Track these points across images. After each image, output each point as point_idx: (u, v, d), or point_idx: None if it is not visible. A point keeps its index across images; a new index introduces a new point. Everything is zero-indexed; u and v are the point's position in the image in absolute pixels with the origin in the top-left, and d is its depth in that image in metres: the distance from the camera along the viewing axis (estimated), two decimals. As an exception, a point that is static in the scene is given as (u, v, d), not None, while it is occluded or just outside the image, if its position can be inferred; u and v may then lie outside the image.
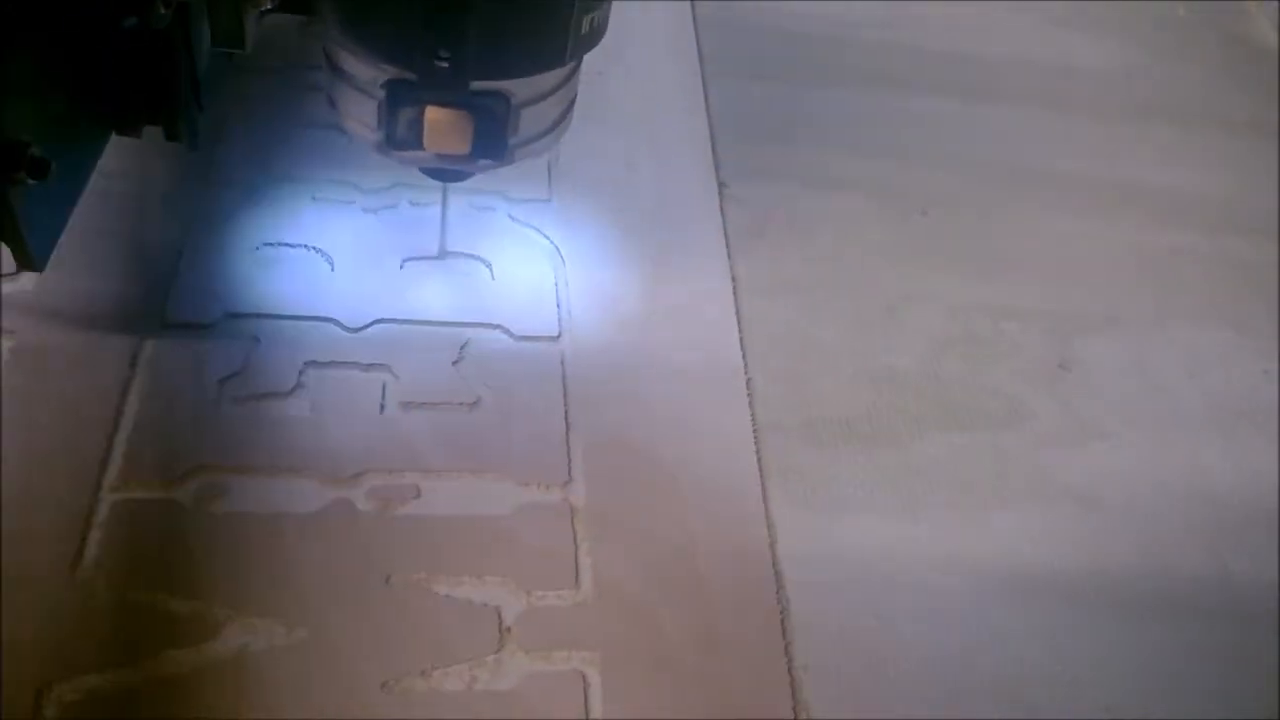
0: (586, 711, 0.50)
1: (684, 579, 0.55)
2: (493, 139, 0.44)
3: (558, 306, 0.65)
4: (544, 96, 0.45)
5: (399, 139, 0.44)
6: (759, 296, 0.68)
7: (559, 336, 0.64)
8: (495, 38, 0.41)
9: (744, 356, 0.64)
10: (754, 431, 0.61)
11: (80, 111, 0.45)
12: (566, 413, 0.60)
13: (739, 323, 0.66)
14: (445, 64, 0.40)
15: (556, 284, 0.66)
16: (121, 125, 0.47)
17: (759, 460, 0.60)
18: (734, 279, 0.68)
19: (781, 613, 0.54)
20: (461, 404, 0.60)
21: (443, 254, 0.62)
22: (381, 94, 0.44)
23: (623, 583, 0.55)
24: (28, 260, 0.42)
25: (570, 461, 0.58)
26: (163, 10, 0.41)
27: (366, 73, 0.44)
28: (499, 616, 0.52)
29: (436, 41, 0.40)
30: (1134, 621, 0.58)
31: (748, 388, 0.63)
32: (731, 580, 0.56)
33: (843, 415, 0.64)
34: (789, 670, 0.52)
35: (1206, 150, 0.87)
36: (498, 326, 0.63)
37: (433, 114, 0.43)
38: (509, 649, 0.51)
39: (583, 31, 0.43)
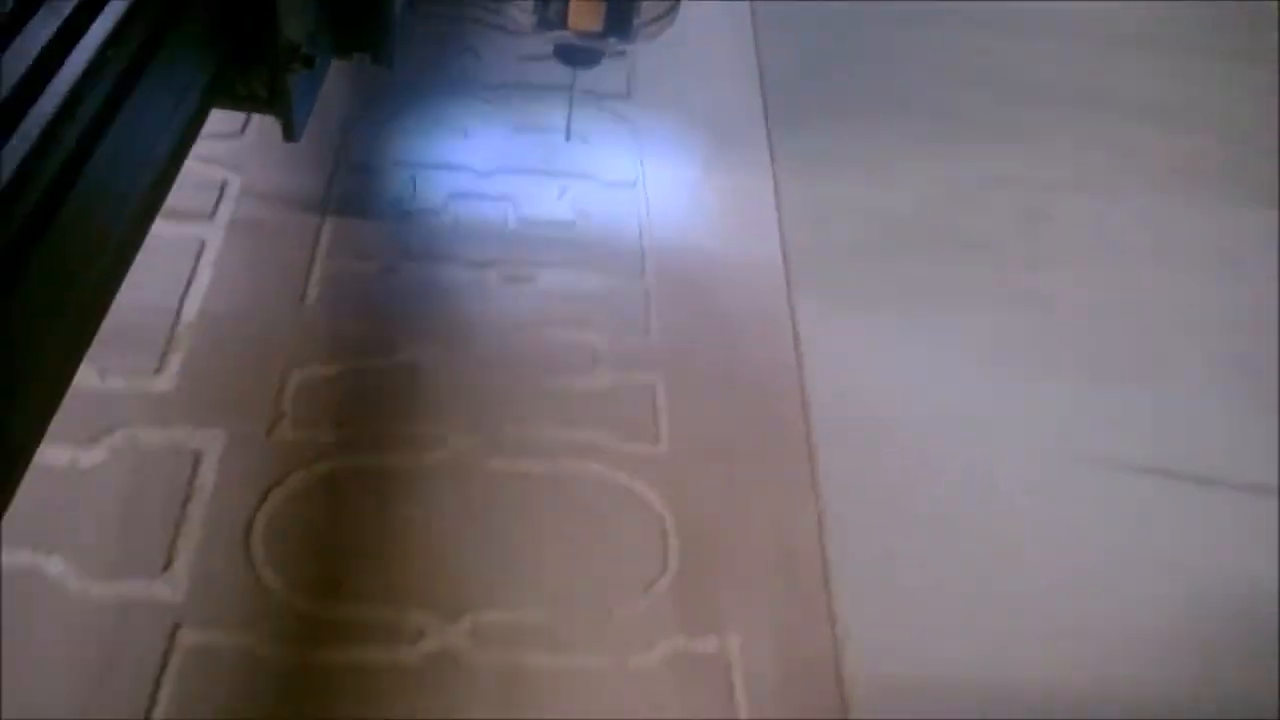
0: (655, 413, 0.71)
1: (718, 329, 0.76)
2: (621, 19, 0.57)
3: (639, 163, 0.87)
4: None
5: (548, 20, 0.58)
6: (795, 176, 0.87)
7: (635, 183, 0.86)
8: None
9: (777, 203, 0.84)
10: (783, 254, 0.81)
11: (322, 27, 0.58)
12: (640, 230, 0.82)
13: (775, 189, 0.85)
14: None
15: (638, 152, 0.88)
16: (340, 49, 0.61)
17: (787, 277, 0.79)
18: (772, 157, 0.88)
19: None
20: (562, 222, 0.82)
21: (570, 136, 0.81)
22: None
23: (678, 328, 0.76)
24: (292, 132, 0.56)
25: (644, 258, 0.80)
26: None
27: None
28: (593, 350, 0.74)
29: None
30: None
31: (779, 227, 0.83)
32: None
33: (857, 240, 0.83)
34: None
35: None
36: (592, 177, 0.85)
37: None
38: (599, 369, 0.73)
39: None
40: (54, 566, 0.55)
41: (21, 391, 0.33)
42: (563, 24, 0.57)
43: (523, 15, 0.59)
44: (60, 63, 0.35)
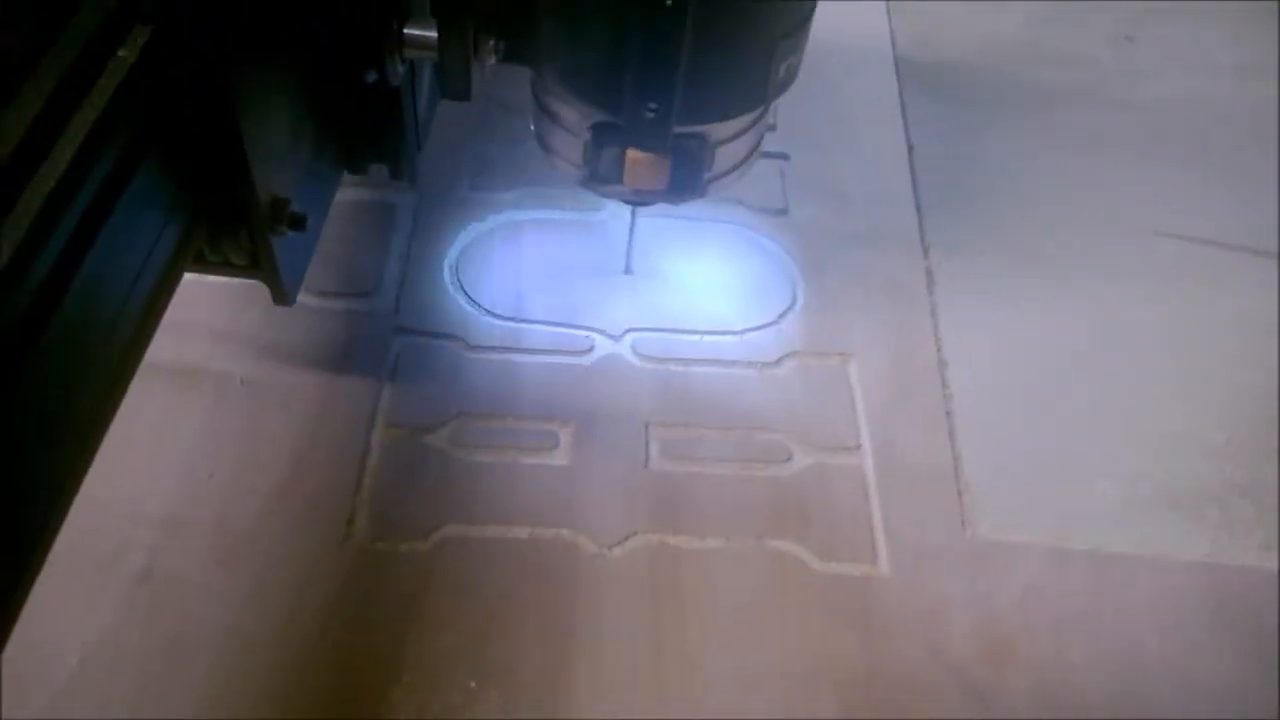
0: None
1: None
2: (689, 176, 0.47)
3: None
4: (738, 135, 0.48)
5: (602, 175, 0.47)
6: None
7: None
8: (699, 88, 0.42)
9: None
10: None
11: (321, 160, 0.48)
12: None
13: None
14: (652, 114, 0.43)
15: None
16: (351, 166, 0.50)
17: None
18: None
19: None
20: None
21: (629, 269, 0.60)
22: (588, 135, 0.46)
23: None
24: (283, 297, 0.45)
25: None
26: (400, 66, 0.44)
27: (575, 116, 0.46)
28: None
29: (645, 95, 0.42)
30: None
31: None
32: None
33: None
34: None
35: None
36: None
37: (634, 155, 0.45)
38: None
39: (779, 77, 0.44)
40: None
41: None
42: (618, 179, 0.46)
43: (570, 167, 0.49)
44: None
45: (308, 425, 0.52)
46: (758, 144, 0.51)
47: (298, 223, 0.42)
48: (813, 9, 0.44)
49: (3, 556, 0.31)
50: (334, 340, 0.55)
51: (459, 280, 0.59)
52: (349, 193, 0.62)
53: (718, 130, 0.46)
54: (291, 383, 0.53)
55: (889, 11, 0.78)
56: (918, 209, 0.65)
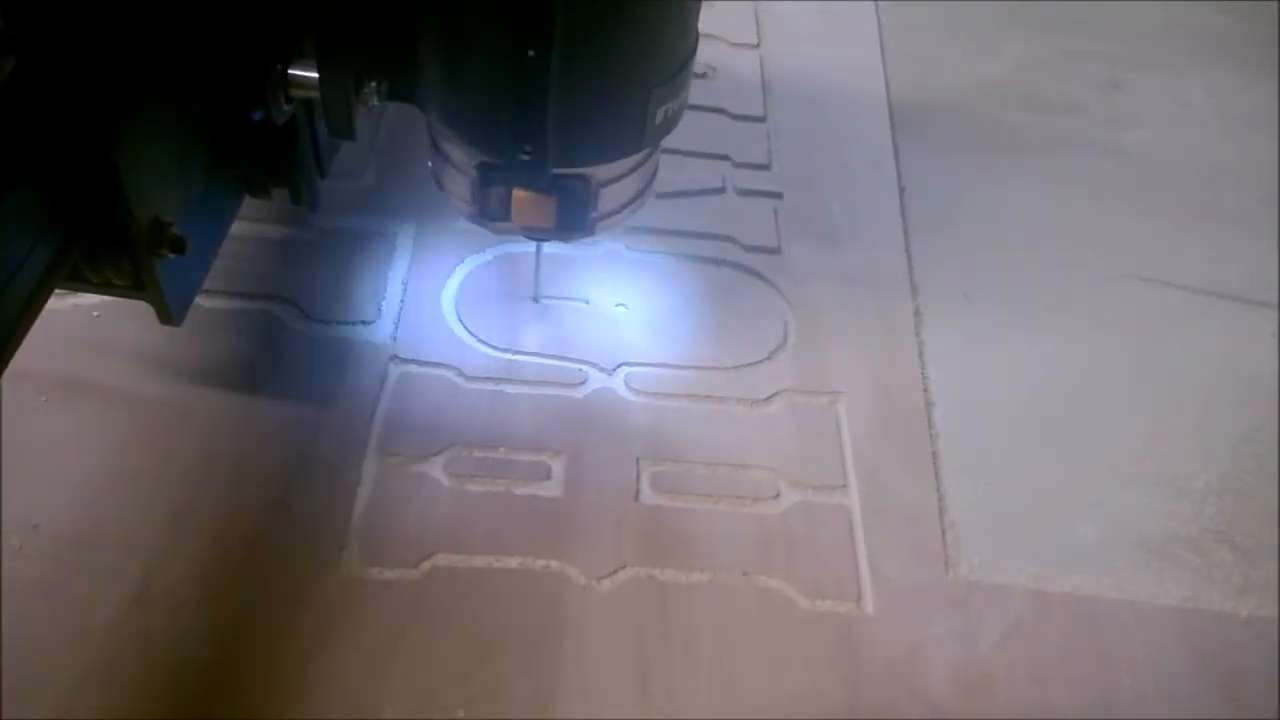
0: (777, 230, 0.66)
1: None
2: (575, 215, 0.47)
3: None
4: (623, 176, 0.48)
5: (491, 213, 0.48)
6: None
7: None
8: (573, 133, 0.43)
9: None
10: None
11: (213, 185, 0.47)
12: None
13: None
14: (527, 156, 0.44)
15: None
16: (253, 190, 0.50)
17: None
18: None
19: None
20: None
21: (539, 297, 0.61)
22: (474, 174, 0.47)
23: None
24: (168, 318, 0.45)
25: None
26: (285, 106, 0.44)
27: (462, 155, 0.47)
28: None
29: (519, 138, 0.43)
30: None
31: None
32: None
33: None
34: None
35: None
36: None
37: (519, 194, 0.46)
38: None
39: (657, 122, 0.45)
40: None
41: None
42: (506, 216, 0.47)
43: (462, 204, 0.49)
44: None
45: (302, 451, 0.52)
46: (649, 184, 0.51)
47: (179, 245, 0.42)
48: (691, 57, 0.45)
49: None
50: (330, 368, 0.56)
51: (455, 311, 0.59)
52: (349, 222, 0.63)
53: (601, 172, 0.47)
54: (287, 409, 0.54)
55: (884, 56, 0.80)
56: (908, 250, 0.66)
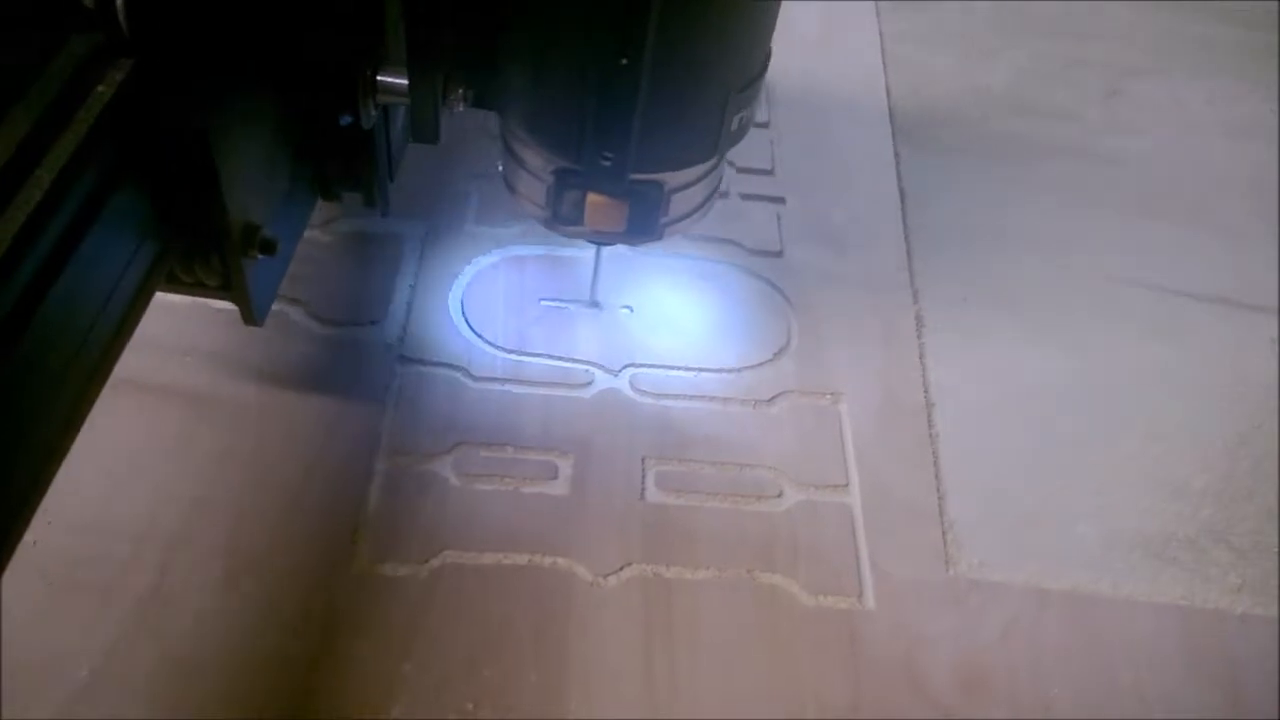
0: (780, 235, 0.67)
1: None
2: (646, 220, 0.49)
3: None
4: (694, 183, 0.49)
5: (564, 217, 0.49)
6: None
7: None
8: (653, 140, 0.44)
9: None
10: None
11: (294, 190, 0.49)
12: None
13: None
14: (608, 162, 0.45)
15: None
16: (325, 193, 0.51)
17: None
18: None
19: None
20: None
21: (593, 303, 0.62)
22: (551, 179, 0.48)
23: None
24: (253, 318, 0.46)
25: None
26: (374, 111, 0.46)
27: (538, 160, 0.48)
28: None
29: (601, 145, 0.44)
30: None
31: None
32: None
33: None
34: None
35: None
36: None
37: (594, 199, 0.47)
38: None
39: (731, 129, 0.46)
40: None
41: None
42: (578, 221, 0.48)
43: (534, 208, 0.50)
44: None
45: (313, 450, 0.53)
46: (714, 191, 0.53)
47: (269, 247, 0.44)
48: (765, 65, 0.46)
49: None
50: (341, 368, 0.57)
51: (463, 312, 0.60)
52: (358, 225, 0.64)
53: (673, 178, 0.49)
54: (298, 408, 0.55)
55: (885, 64, 0.81)
56: (908, 254, 0.67)
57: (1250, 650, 0.52)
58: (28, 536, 0.48)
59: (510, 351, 0.59)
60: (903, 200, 0.71)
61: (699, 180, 0.50)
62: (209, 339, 0.57)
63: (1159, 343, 0.65)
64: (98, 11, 0.34)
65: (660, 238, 0.51)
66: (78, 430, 0.38)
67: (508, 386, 0.57)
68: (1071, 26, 0.88)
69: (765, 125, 0.74)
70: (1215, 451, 0.60)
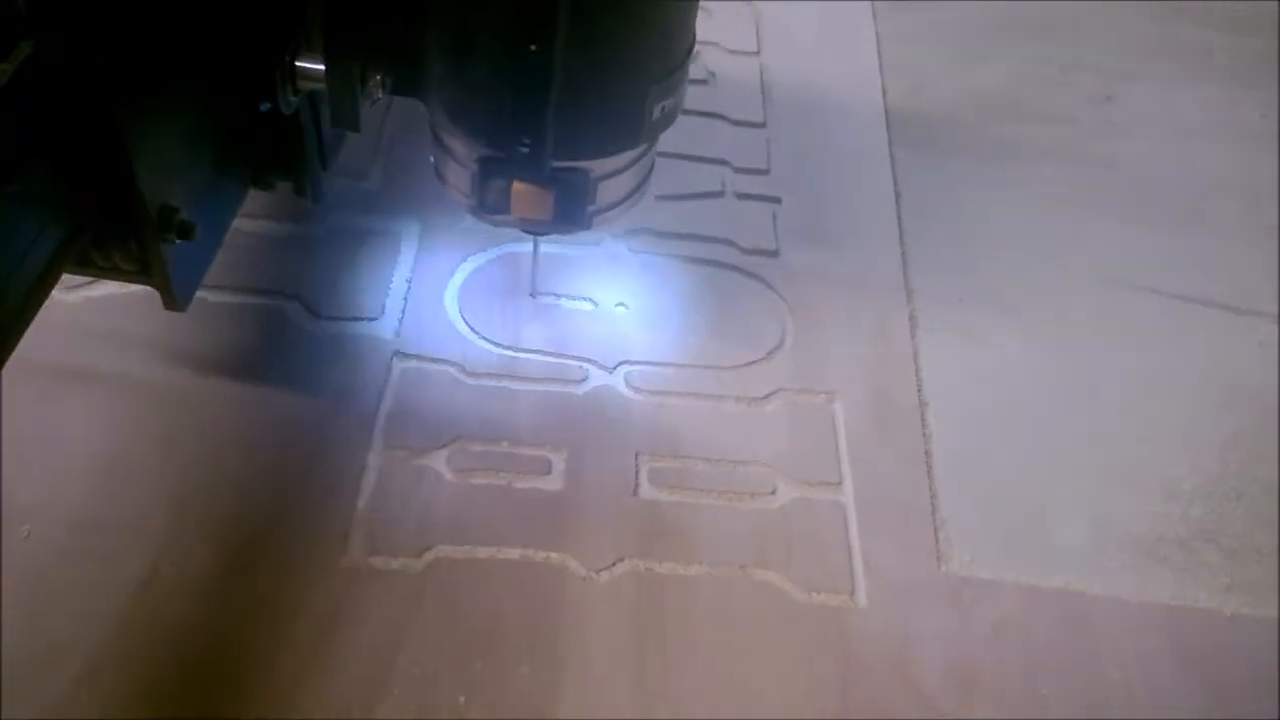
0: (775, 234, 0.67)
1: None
2: (573, 208, 0.48)
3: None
4: (621, 171, 0.49)
5: (490, 205, 0.48)
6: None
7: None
8: (572, 127, 0.44)
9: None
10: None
11: (220, 175, 0.47)
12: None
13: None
14: (526, 149, 0.44)
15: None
16: (257, 182, 0.50)
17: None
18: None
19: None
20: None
21: (536, 293, 0.62)
22: (475, 167, 0.47)
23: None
24: (174, 304, 0.45)
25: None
26: (292, 98, 0.45)
27: (464, 148, 0.47)
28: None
29: (518, 131, 0.44)
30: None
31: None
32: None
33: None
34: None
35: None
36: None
37: (518, 187, 0.47)
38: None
39: (654, 118, 0.46)
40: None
41: None
42: (504, 209, 0.48)
43: (462, 197, 0.50)
44: None
45: (308, 444, 0.53)
46: (645, 179, 0.53)
47: (186, 231, 0.42)
48: (688, 54, 0.46)
49: None
50: (335, 362, 0.57)
51: (459, 308, 0.60)
52: (354, 221, 0.64)
53: (598, 166, 0.48)
54: (294, 402, 0.55)
55: (881, 65, 0.81)
56: (903, 255, 0.67)
57: (1240, 650, 0.52)
58: (22, 530, 0.49)
59: (505, 347, 0.59)
60: (898, 201, 0.71)
61: (626, 168, 0.49)
62: (204, 333, 0.57)
63: (1151, 344, 0.65)
64: (-6, -11, 0.33)
65: (589, 227, 0.51)
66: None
67: (503, 382, 0.57)
68: (1067, 31, 0.88)
69: (761, 125, 0.74)
70: (1206, 453, 0.60)
